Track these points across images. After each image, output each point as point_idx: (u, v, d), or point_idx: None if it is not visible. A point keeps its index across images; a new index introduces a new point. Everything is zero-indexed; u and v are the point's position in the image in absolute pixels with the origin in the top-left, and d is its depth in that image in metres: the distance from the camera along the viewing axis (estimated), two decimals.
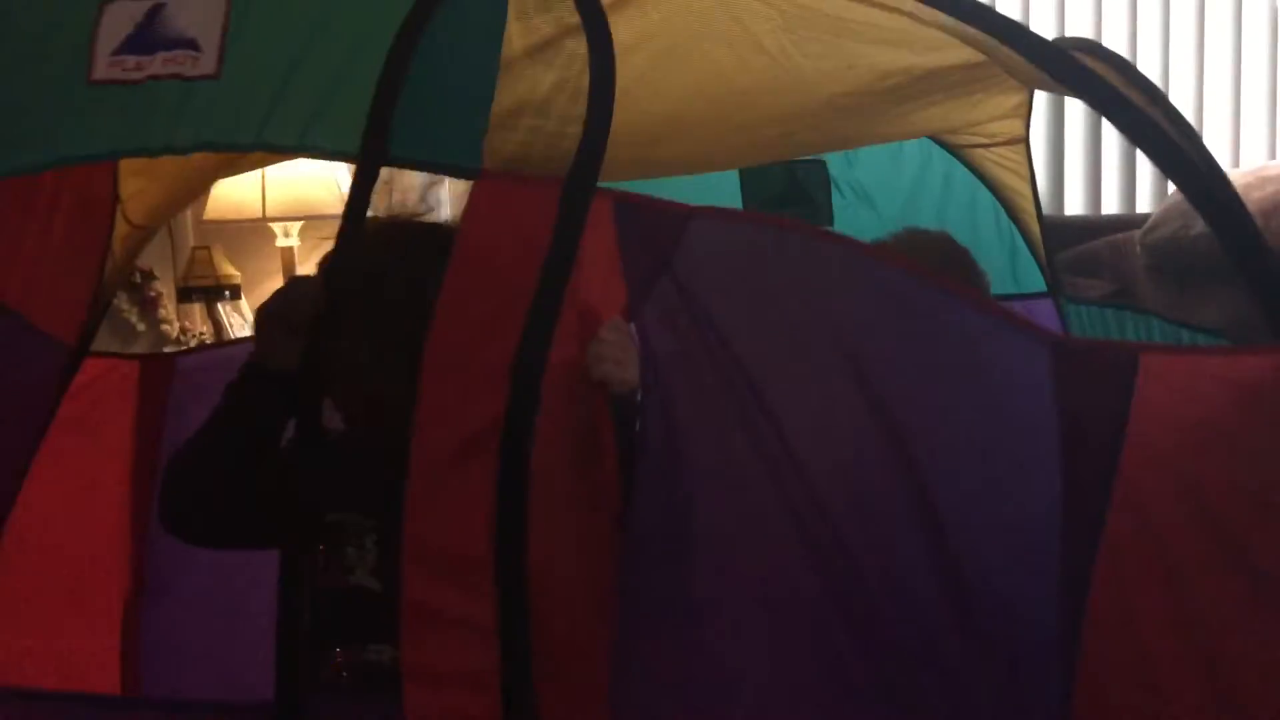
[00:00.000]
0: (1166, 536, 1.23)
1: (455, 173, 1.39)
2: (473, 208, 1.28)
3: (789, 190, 2.38)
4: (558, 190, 1.25)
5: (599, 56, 1.28)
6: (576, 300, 1.26)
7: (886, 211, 2.31)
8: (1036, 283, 2.32)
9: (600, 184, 1.27)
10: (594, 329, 1.32)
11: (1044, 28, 3.74)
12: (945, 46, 1.62)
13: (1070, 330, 2.28)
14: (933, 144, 2.27)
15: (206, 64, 1.32)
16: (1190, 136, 1.65)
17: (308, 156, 1.34)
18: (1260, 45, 3.68)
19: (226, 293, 3.65)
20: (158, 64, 1.34)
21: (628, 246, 1.30)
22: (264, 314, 1.53)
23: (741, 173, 2.32)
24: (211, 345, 3.27)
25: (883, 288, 1.33)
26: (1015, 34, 1.41)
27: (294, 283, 1.59)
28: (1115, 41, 3.69)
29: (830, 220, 2.38)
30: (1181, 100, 3.67)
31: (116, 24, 1.37)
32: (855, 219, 2.34)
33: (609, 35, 1.30)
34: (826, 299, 1.32)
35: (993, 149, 2.29)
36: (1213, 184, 1.36)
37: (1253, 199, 3.24)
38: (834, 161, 2.35)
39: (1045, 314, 2.26)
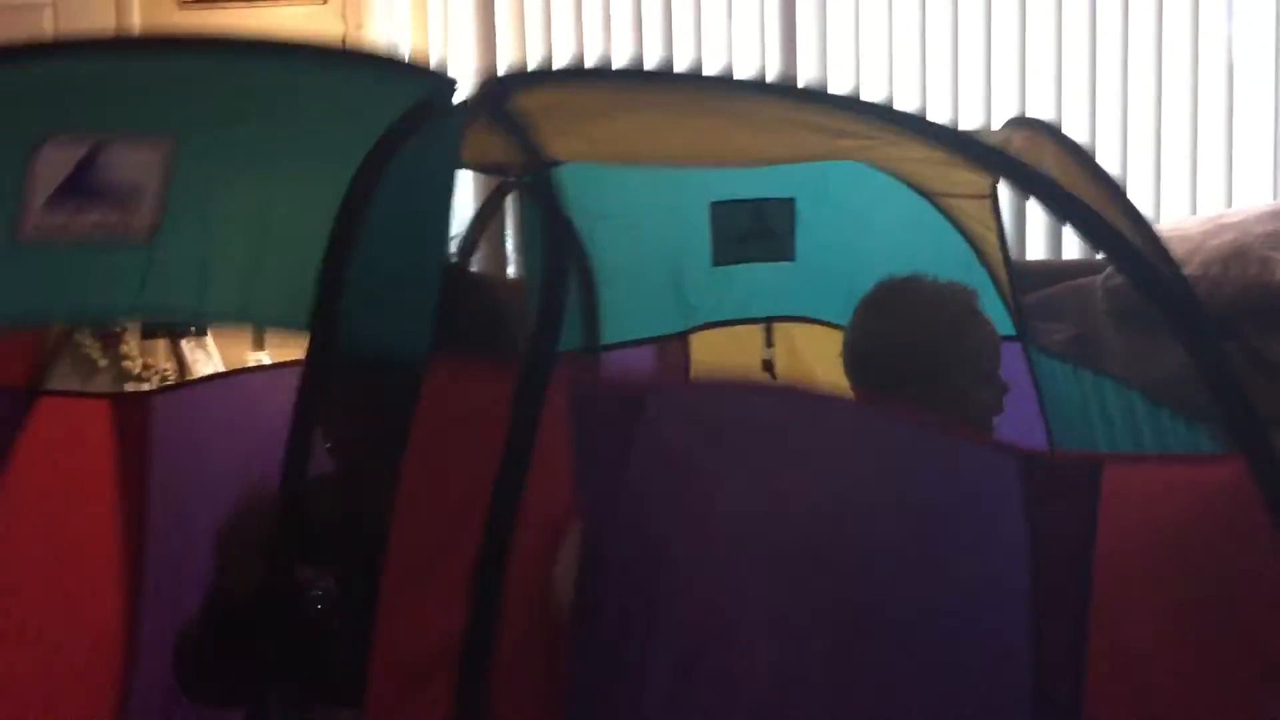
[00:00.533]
0: (1140, 649, 1.25)
1: (407, 361, 1.29)
2: (429, 397, 1.25)
3: (754, 227, 2.39)
4: (511, 380, 1.22)
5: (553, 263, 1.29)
6: (542, 505, 1.24)
7: (859, 251, 2.31)
8: (1005, 327, 2.32)
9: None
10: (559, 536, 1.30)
11: (1006, 105, 3.78)
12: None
13: (1036, 374, 2.30)
14: (905, 186, 2.27)
15: (143, 220, 1.22)
16: (1146, 235, 1.70)
17: (248, 330, 1.30)
18: (1218, 97, 3.72)
19: (191, 328, 3.54)
20: (90, 219, 1.22)
21: (583, 440, 1.28)
22: (222, 536, 1.52)
23: (711, 209, 2.32)
24: (236, 372, 3.08)
25: (856, 438, 1.36)
26: (963, 143, 1.51)
27: (251, 501, 1.51)
28: (1077, 105, 3.74)
29: (792, 255, 2.39)
30: (1140, 148, 3.72)
31: (51, 169, 1.23)
32: (826, 258, 2.35)
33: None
34: (796, 457, 1.33)
35: (960, 200, 2.31)
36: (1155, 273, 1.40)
37: (1210, 246, 3.27)
38: (805, 200, 2.35)
39: (1013, 356, 2.26)
